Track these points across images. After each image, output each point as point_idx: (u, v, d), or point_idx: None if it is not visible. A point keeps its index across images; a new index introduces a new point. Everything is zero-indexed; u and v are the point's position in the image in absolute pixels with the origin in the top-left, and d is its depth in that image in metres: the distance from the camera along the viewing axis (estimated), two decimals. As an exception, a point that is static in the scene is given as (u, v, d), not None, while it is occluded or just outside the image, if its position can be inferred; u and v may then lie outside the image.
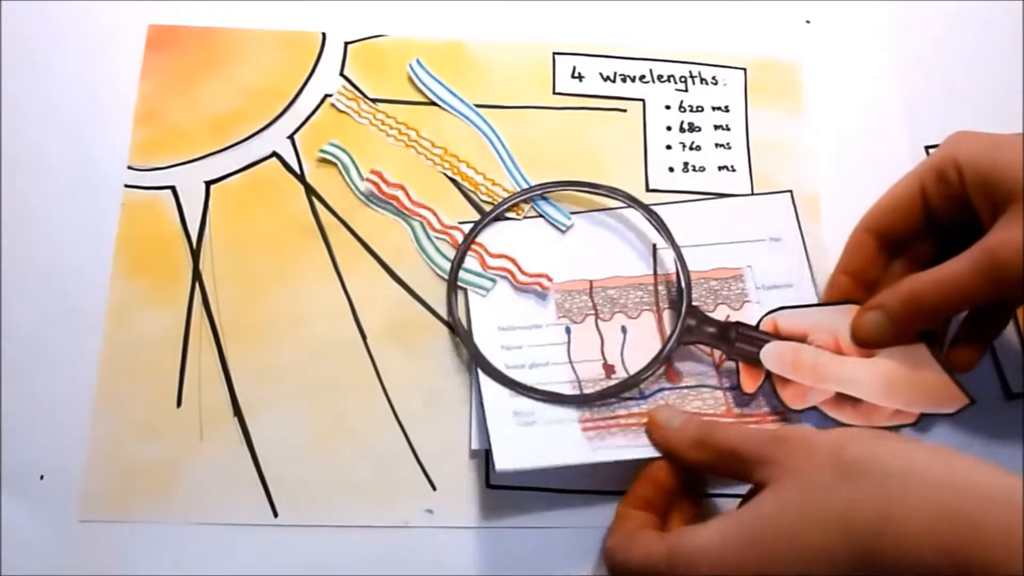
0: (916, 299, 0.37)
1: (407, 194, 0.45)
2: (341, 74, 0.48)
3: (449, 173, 0.46)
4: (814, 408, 0.39)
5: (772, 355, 0.40)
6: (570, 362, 0.41)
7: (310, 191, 0.45)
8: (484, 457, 0.40)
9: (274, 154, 0.46)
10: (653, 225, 0.43)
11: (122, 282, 0.43)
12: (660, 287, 0.42)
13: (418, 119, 0.47)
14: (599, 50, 0.49)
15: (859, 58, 0.50)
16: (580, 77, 0.48)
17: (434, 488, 0.40)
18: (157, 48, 0.47)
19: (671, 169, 0.47)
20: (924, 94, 0.49)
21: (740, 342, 0.40)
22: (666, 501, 0.37)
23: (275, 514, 0.39)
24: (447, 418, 0.41)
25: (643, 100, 0.48)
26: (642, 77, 0.49)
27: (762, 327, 0.41)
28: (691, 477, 0.37)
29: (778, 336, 0.40)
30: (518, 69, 0.48)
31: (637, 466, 0.38)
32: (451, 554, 0.39)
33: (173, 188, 0.45)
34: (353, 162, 0.45)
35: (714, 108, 0.48)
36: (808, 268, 0.44)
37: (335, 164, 0.45)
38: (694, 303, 0.42)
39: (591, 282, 0.43)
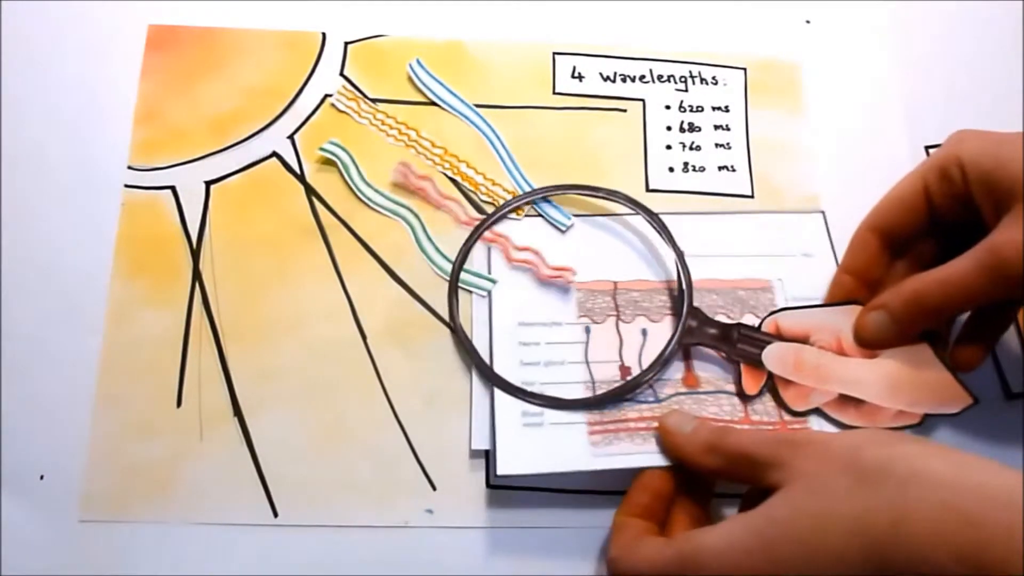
0: (919, 299, 0.37)
1: (435, 186, 0.45)
2: (341, 74, 0.48)
3: (449, 173, 0.46)
4: (816, 410, 0.39)
5: (774, 356, 0.40)
6: (586, 362, 0.41)
7: (310, 191, 0.45)
8: (484, 457, 0.40)
9: (274, 154, 0.46)
10: (654, 227, 0.43)
11: (122, 282, 0.43)
12: (685, 290, 0.42)
13: (418, 119, 0.47)
14: (599, 50, 0.49)
15: (859, 58, 0.50)
16: (580, 77, 0.48)
17: (434, 488, 0.40)
18: (157, 48, 0.47)
19: (671, 169, 0.47)
20: (924, 94, 0.49)
21: (742, 343, 0.40)
22: (663, 507, 0.36)
23: (275, 514, 0.39)
24: (447, 418, 0.41)
25: (643, 100, 0.48)
26: (642, 77, 0.49)
27: (764, 328, 0.40)
28: (696, 480, 0.37)
29: (780, 337, 0.40)
30: (518, 69, 0.48)
31: (637, 467, 0.38)
32: (451, 554, 0.39)
33: (173, 188, 0.45)
34: (353, 161, 0.45)
35: (714, 108, 0.48)
36: None
37: (335, 162, 0.45)
38: (720, 309, 0.42)
39: (615, 283, 0.43)
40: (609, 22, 0.50)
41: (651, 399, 0.40)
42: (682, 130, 0.48)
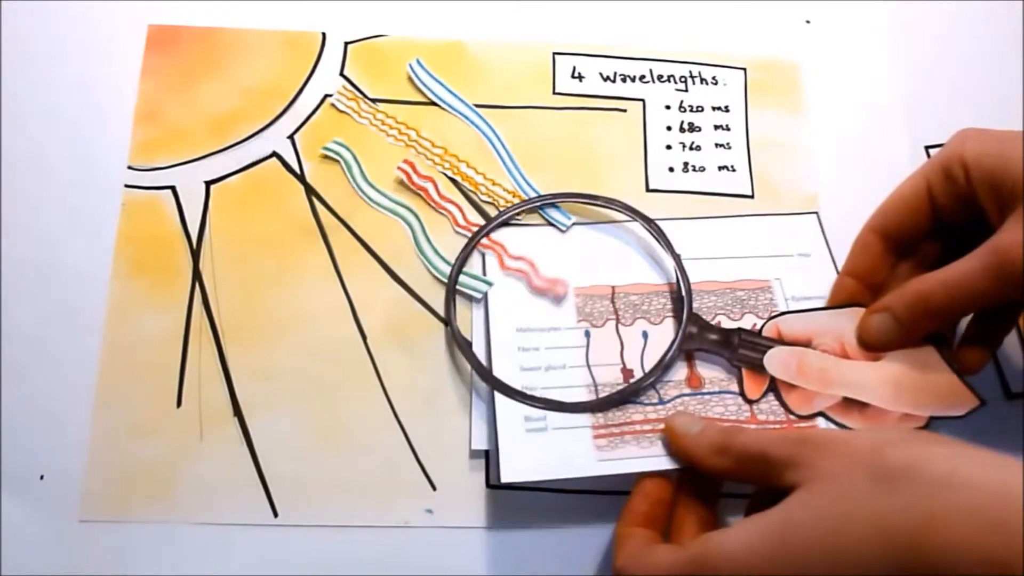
0: (924, 301, 0.36)
1: (436, 187, 0.45)
2: (341, 74, 0.48)
3: (449, 173, 0.46)
4: (820, 413, 0.39)
5: (776, 361, 0.39)
6: (588, 365, 0.40)
7: (310, 191, 0.45)
8: (484, 457, 0.40)
9: (274, 154, 0.46)
10: (652, 234, 0.43)
11: (122, 282, 0.43)
12: (685, 296, 0.42)
13: (418, 119, 0.47)
14: (599, 50, 0.49)
15: (859, 58, 0.50)
16: (580, 77, 0.48)
17: (434, 488, 0.40)
18: (157, 48, 0.47)
19: (671, 169, 0.47)
20: (924, 94, 0.49)
21: (743, 348, 0.39)
22: (665, 514, 0.36)
23: (275, 514, 0.39)
24: (447, 418, 0.41)
25: (643, 100, 0.48)
26: (642, 77, 0.49)
27: (765, 332, 0.40)
28: (702, 482, 0.36)
29: (782, 341, 0.40)
30: (518, 69, 0.48)
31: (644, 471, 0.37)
32: (451, 554, 0.39)
33: (173, 188, 0.45)
34: (356, 160, 0.45)
35: (714, 108, 0.48)
36: None
37: (338, 162, 0.45)
38: (720, 310, 0.42)
39: (613, 288, 0.42)
40: (609, 22, 0.50)
41: (655, 401, 0.39)
42: (682, 130, 0.48)
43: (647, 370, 0.40)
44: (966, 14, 0.51)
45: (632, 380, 0.40)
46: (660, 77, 0.49)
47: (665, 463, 0.37)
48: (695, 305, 0.41)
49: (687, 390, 0.40)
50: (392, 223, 0.45)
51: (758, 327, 0.40)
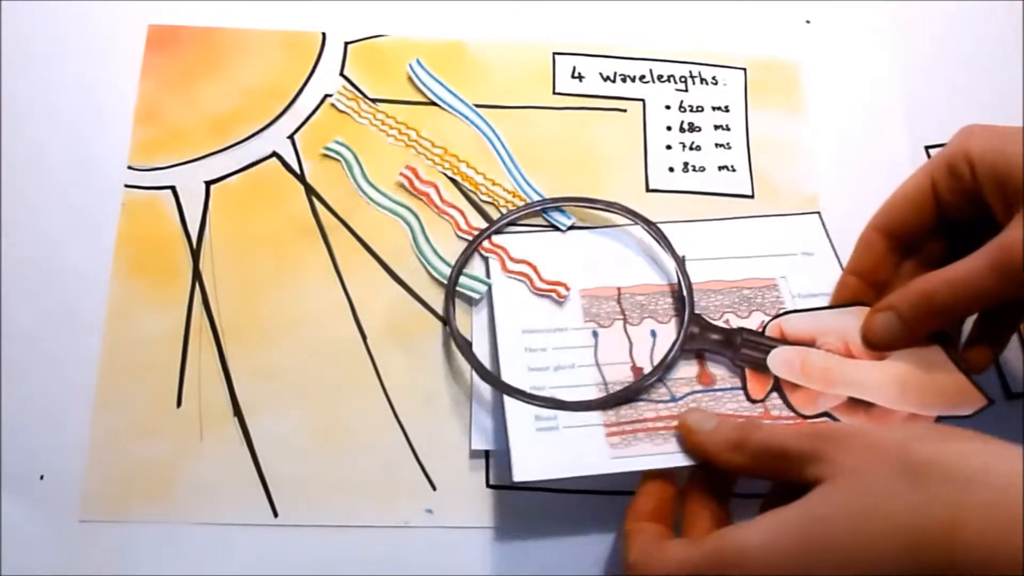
0: (929, 299, 0.35)
1: (439, 192, 0.45)
2: (341, 74, 0.48)
3: (449, 173, 0.46)
4: (825, 413, 0.38)
5: (779, 360, 0.39)
6: (597, 364, 0.40)
7: (310, 191, 0.45)
8: (484, 457, 0.40)
9: (274, 154, 0.46)
10: (652, 236, 0.43)
11: (122, 282, 0.43)
12: (686, 297, 0.41)
13: (418, 119, 0.47)
14: (599, 50, 0.49)
15: (859, 58, 0.50)
16: (580, 77, 0.48)
17: (434, 488, 0.40)
18: (157, 48, 0.47)
19: (671, 169, 0.47)
20: (924, 94, 0.49)
21: (746, 348, 0.39)
22: (671, 510, 0.35)
23: (275, 514, 0.39)
24: (447, 418, 0.41)
25: (643, 100, 0.48)
26: (642, 77, 0.49)
27: (768, 332, 0.40)
28: (715, 478, 0.35)
29: (785, 341, 0.39)
30: (518, 69, 0.48)
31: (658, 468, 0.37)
32: (451, 554, 0.39)
33: (173, 188, 0.45)
34: (357, 160, 0.45)
35: (714, 108, 0.48)
36: None
37: (339, 161, 0.45)
38: (727, 309, 0.41)
39: (619, 289, 0.42)
40: (609, 22, 0.50)
41: (667, 398, 0.39)
42: (682, 130, 0.48)
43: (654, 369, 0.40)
44: (966, 14, 0.51)
45: (642, 377, 0.39)
46: (660, 77, 0.49)
47: (679, 460, 0.36)
48: (702, 304, 0.41)
49: (699, 387, 0.40)
50: (392, 223, 0.45)
51: (763, 324, 0.40)
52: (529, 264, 0.43)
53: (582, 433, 0.38)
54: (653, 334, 0.41)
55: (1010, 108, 0.49)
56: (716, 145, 0.48)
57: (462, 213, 0.45)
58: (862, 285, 0.40)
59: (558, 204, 0.45)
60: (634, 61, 0.49)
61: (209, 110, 0.46)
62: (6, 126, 0.45)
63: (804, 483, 0.30)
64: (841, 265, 0.43)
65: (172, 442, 0.40)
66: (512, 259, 0.43)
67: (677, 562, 0.31)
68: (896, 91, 0.49)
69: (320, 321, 0.42)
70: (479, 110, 0.47)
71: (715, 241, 0.44)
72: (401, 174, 0.45)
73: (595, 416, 0.38)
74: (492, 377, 0.40)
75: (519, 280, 0.42)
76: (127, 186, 0.45)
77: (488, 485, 0.40)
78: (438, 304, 0.43)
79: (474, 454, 0.40)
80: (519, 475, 0.36)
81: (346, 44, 0.48)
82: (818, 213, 0.45)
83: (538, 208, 0.44)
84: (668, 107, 0.48)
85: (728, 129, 0.48)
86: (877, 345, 0.38)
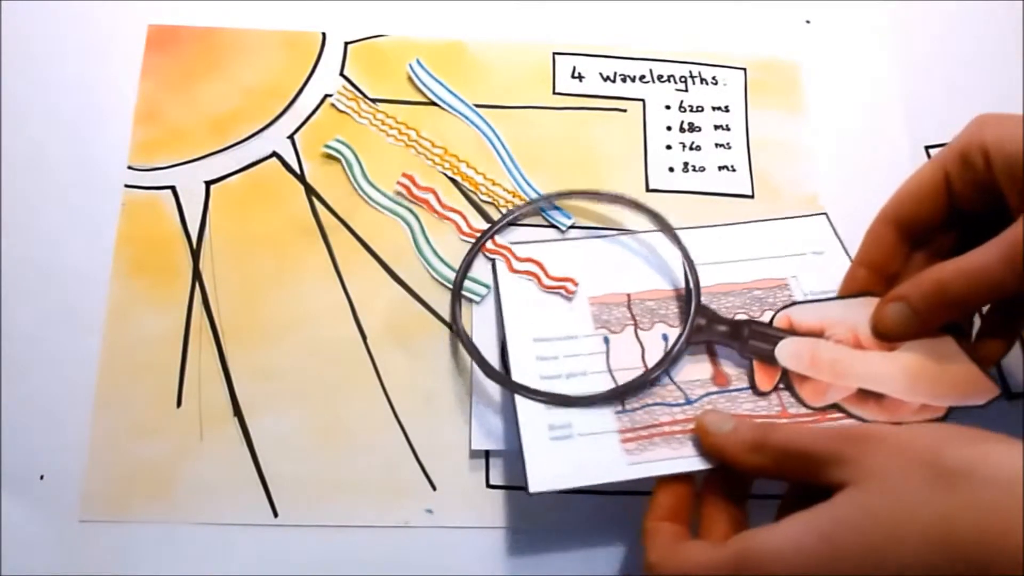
0: (941, 290, 0.35)
1: (437, 198, 0.45)
2: (341, 74, 0.48)
3: (449, 173, 0.46)
4: (835, 405, 0.38)
5: (788, 352, 0.38)
6: (609, 371, 0.40)
7: (310, 191, 0.45)
8: (484, 457, 0.40)
9: (274, 154, 0.46)
10: (658, 227, 0.42)
11: (122, 282, 0.43)
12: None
13: (418, 119, 0.47)
14: (599, 50, 0.49)
15: (859, 58, 0.50)
16: (580, 77, 0.48)
17: (434, 488, 0.40)
18: (157, 48, 0.47)
19: (671, 169, 0.47)
20: (924, 94, 0.49)
21: (754, 339, 0.39)
22: (690, 508, 0.35)
23: (275, 514, 0.39)
24: (447, 418, 0.41)
25: (643, 100, 0.48)
26: (642, 77, 0.49)
27: (776, 323, 0.39)
28: (732, 480, 0.35)
29: (793, 332, 0.39)
30: (518, 69, 0.48)
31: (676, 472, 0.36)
32: (451, 554, 0.39)
33: (173, 188, 0.45)
34: (357, 159, 0.45)
35: (714, 108, 0.48)
36: None
37: (339, 160, 0.45)
38: (739, 310, 0.41)
39: (629, 295, 0.42)
40: (609, 22, 0.50)
41: (682, 401, 0.38)
42: (682, 130, 0.48)
43: (673, 372, 0.39)
44: (966, 14, 0.51)
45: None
46: (660, 77, 0.49)
47: (697, 463, 0.36)
48: (714, 307, 0.41)
49: (714, 388, 0.39)
50: (392, 223, 0.45)
51: (771, 316, 0.40)
52: (535, 262, 0.43)
53: (597, 441, 0.37)
54: (665, 338, 0.41)
55: (1010, 108, 0.48)
56: (716, 145, 0.48)
57: (463, 216, 0.45)
58: (871, 276, 0.39)
59: (564, 196, 0.44)
60: (634, 61, 0.49)
61: (209, 110, 0.46)
62: (6, 126, 0.45)
63: (827, 485, 0.30)
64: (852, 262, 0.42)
65: (172, 442, 0.40)
66: (518, 258, 0.43)
67: (700, 563, 0.30)
68: (896, 91, 0.49)
69: (320, 321, 0.42)
70: (479, 110, 0.47)
71: (724, 245, 0.43)
72: (398, 183, 0.45)
73: (610, 422, 0.38)
74: (501, 377, 0.39)
75: (527, 279, 0.42)
76: (127, 186, 0.45)
77: (488, 485, 0.40)
78: (438, 304, 0.43)
79: (474, 454, 0.40)
80: (535, 486, 0.35)
81: (346, 44, 0.48)
82: (825, 214, 0.45)
83: (541, 202, 0.44)
84: (668, 107, 0.48)
85: (728, 129, 0.48)
86: (888, 336, 0.37)
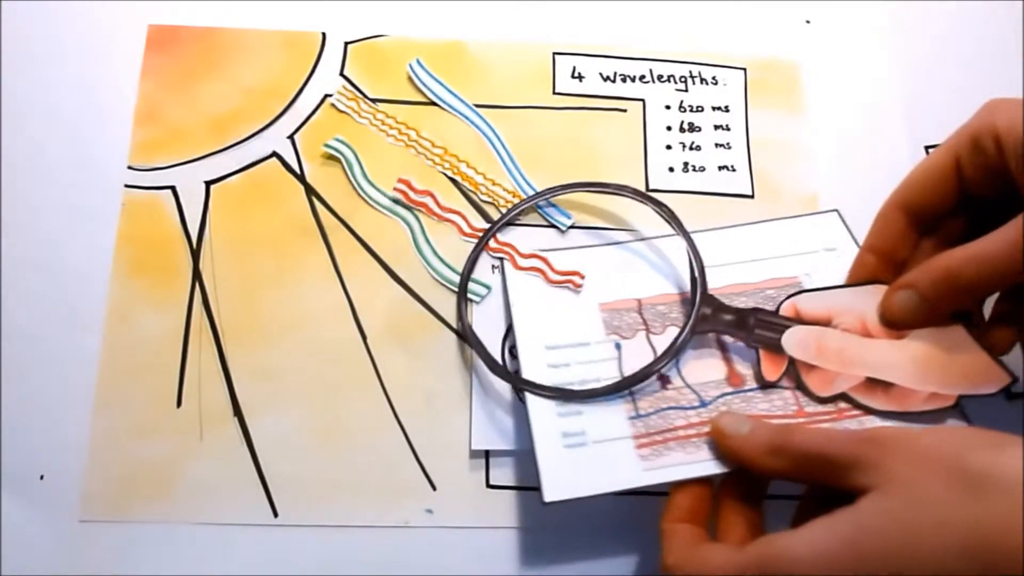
0: (950, 277, 0.34)
1: (436, 200, 0.45)
2: (341, 74, 0.48)
3: (449, 173, 0.46)
4: (843, 395, 0.37)
5: (794, 341, 0.37)
6: (622, 376, 0.39)
7: (310, 191, 0.45)
8: (484, 457, 0.40)
9: (274, 154, 0.46)
10: (662, 216, 0.42)
11: (122, 282, 0.43)
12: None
13: (418, 119, 0.47)
14: (599, 50, 0.49)
15: (859, 58, 0.50)
16: (580, 77, 0.48)
17: (434, 488, 0.40)
18: (157, 48, 0.47)
19: (671, 169, 0.47)
20: (924, 94, 0.49)
21: (760, 328, 0.38)
22: (707, 510, 0.34)
23: (275, 514, 0.39)
24: (447, 418, 0.41)
25: (643, 100, 0.48)
26: (642, 77, 0.49)
27: (783, 312, 0.39)
28: (749, 483, 0.34)
29: (800, 320, 0.38)
30: (518, 69, 0.48)
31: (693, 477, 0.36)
32: (451, 554, 0.39)
33: (173, 188, 0.45)
34: (357, 159, 0.45)
35: (714, 108, 0.48)
36: None
37: (339, 160, 0.45)
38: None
39: (639, 300, 0.42)
40: (609, 22, 0.50)
41: (696, 404, 0.38)
42: (682, 130, 0.48)
43: (687, 376, 0.39)
44: (966, 14, 0.51)
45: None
46: (660, 77, 0.49)
47: (714, 467, 0.35)
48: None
49: (728, 389, 0.38)
50: (392, 223, 0.45)
51: (778, 304, 0.39)
52: (540, 258, 0.43)
53: (611, 447, 0.37)
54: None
55: (1010, 108, 0.48)
56: (716, 145, 0.48)
57: (463, 216, 0.45)
58: (880, 263, 0.38)
59: (566, 191, 0.44)
60: (634, 61, 0.49)
61: (209, 110, 0.46)
62: (6, 126, 0.45)
63: (847, 489, 0.30)
64: None
65: (172, 442, 0.40)
66: (522, 255, 0.43)
67: (720, 567, 0.30)
68: (896, 91, 0.49)
69: (320, 321, 0.42)
70: (479, 110, 0.47)
71: (734, 247, 0.43)
72: (395, 188, 0.45)
73: (624, 428, 0.37)
74: (510, 375, 0.39)
75: (534, 276, 0.42)
76: (127, 186, 0.45)
77: (488, 485, 0.40)
78: (438, 304, 0.43)
79: (474, 454, 0.40)
80: (550, 495, 0.35)
81: (346, 44, 0.48)
82: (836, 211, 0.44)
83: (545, 197, 0.44)
84: (668, 107, 0.48)
85: (728, 129, 0.48)
86: (896, 324, 0.37)
